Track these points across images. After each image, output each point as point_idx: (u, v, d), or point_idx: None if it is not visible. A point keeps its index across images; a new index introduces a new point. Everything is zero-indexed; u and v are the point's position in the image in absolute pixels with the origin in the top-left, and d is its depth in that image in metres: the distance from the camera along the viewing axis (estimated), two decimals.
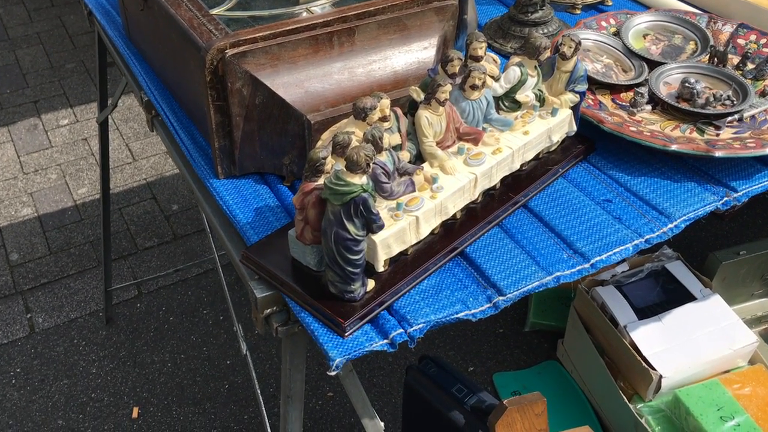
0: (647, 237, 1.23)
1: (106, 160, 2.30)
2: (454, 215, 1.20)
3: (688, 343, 2.15)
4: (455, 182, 1.15)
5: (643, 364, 2.08)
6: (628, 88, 1.51)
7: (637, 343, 2.14)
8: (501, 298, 1.13)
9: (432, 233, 1.18)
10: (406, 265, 1.14)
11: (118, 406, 2.39)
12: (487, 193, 1.26)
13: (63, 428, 2.33)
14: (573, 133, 1.35)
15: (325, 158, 1.03)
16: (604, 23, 1.65)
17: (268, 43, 1.22)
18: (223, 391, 2.42)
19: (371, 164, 0.99)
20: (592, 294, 2.28)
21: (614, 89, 1.50)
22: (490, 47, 1.68)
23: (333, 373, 1.03)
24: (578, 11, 1.83)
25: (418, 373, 1.82)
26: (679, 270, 2.36)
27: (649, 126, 1.40)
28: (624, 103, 1.47)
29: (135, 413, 2.37)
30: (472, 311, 1.12)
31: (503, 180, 1.28)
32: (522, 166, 1.30)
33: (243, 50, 1.20)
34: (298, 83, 1.25)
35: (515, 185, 1.28)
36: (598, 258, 1.19)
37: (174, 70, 1.46)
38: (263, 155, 1.31)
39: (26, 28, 4.28)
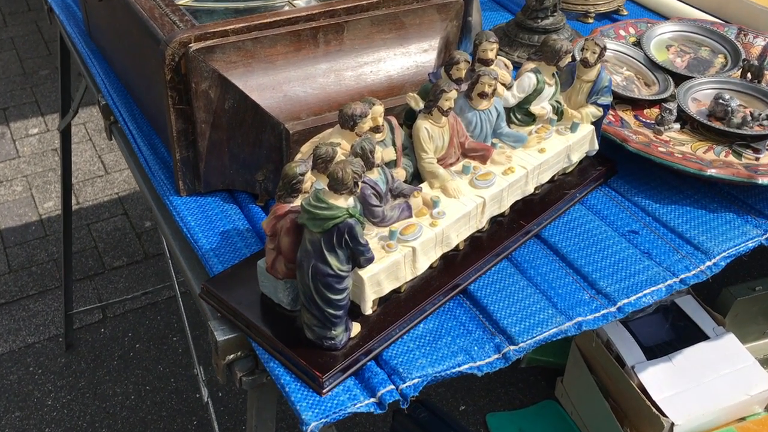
0: (682, 276, 1.05)
1: (68, 172, 2.10)
2: (456, 246, 1.01)
3: (701, 386, 1.97)
4: (459, 207, 0.96)
5: (653, 409, 1.90)
6: (652, 103, 1.33)
7: (645, 385, 1.96)
8: (512, 347, 0.94)
9: (430, 267, 0.99)
10: (398, 305, 0.94)
11: None
12: (495, 221, 1.08)
13: None
14: (594, 153, 1.17)
15: (303, 174, 0.84)
16: (622, 32, 1.48)
17: (241, 38, 1.03)
18: (190, 428, 2.21)
19: (359, 183, 0.80)
20: (596, 330, 2.09)
21: (636, 104, 1.32)
22: None
23: None
24: (591, 20, 1.66)
25: (406, 419, 1.62)
26: (690, 305, 2.18)
27: (679, 147, 1.22)
28: (649, 121, 1.29)
29: None
30: (478, 363, 0.92)
31: (513, 206, 1.09)
32: (535, 189, 1.12)
33: (210, 45, 1.01)
34: (276, 86, 1.06)
35: (527, 212, 1.10)
36: (626, 300, 1.01)
37: (134, 70, 1.27)
38: (233, 170, 1.12)
39: (0, 32, 4.08)
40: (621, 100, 1.32)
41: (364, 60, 1.13)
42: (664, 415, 1.88)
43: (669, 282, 1.04)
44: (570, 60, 1.08)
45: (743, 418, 2.01)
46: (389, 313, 0.93)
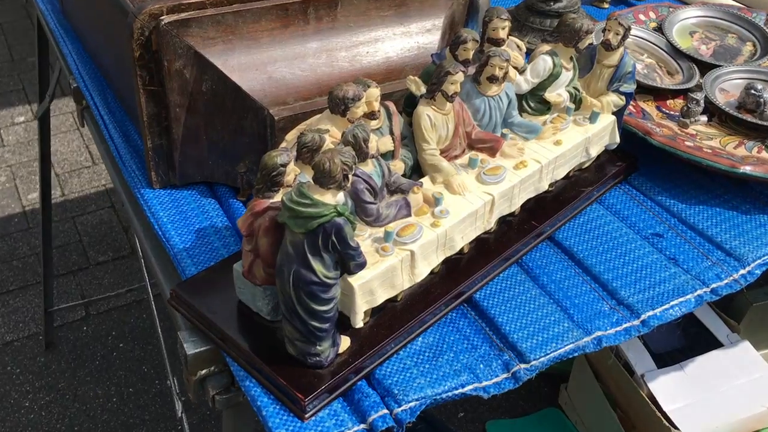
0: (714, 286, 0.93)
1: (46, 162, 1.99)
2: (461, 249, 0.90)
3: (714, 397, 1.86)
4: (465, 205, 0.85)
5: (664, 421, 1.79)
6: (676, 93, 1.21)
7: (656, 395, 1.84)
8: (523, 366, 0.82)
9: (431, 273, 0.87)
10: (394, 316, 0.83)
11: None
12: (504, 221, 0.96)
13: None
14: (615, 146, 1.06)
15: (284, 165, 0.72)
16: (642, 16, 1.36)
17: (221, 11, 0.92)
18: (191, 425, 2.09)
19: (350, 177, 0.69)
20: None
21: (659, 95, 1.21)
22: None
23: None
24: (606, 5, 1.54)
25: None
26: (703, 311, 2.06)
27: (707, 141, 1.11)
28: (672, 112, 1.17)
29: None
30: (484, 384, 0.81)
31: (524, 205, 0.97)
32: (549, 186, 1.00)
33: (185, 18, 0.89)
34: (260, 66, 0.94)
35: (539, 212, 0.98)
36: (651, 313, 0.89)
37: (106, 49, 1.15)
38: (212, 160, 1.00)
39: None
40: (642, 90, 1.20)
41: (360, 39, 1.01)
42: (675, 427, 1.77)
43: (699, 292, 0.92)
44: (591, 41, 0.96)
45: (759, 431, 1.90)
46: (383, 326, 0.81)
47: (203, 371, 0.83)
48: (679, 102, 1.20)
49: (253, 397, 0.77)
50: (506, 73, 0.90)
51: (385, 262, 0.77)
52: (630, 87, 1.00)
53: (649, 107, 1.18)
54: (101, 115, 1.15)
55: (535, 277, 0.93)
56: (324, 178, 0.68)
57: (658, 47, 1.29)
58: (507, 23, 0.92)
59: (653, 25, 1.35)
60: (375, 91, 0.82)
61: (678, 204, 1.05)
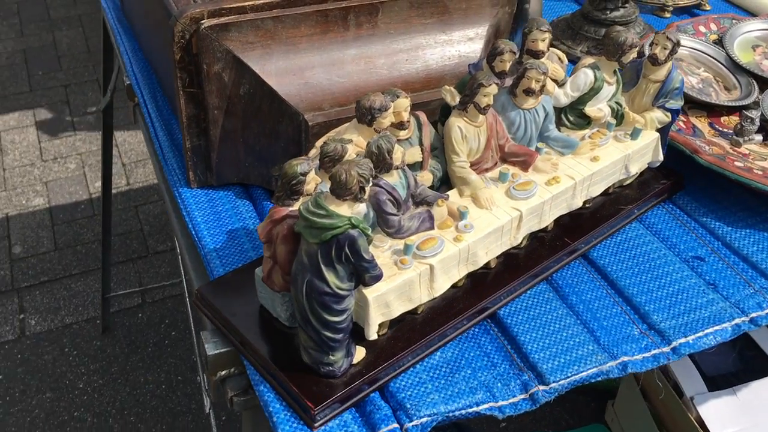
0: (753, 315, 0.89)
1: (108, 154, 2.05)
2: (487, 264, 0.88)
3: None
4: (491, 220, 0.83)
5: None
6: (731, 110, 1.17)
7: (705, 419, 1.78)
8: (542, 387, 0.80)
9: (454, 286, 0.86)
10: (413, 328, 0.82)
11: (101, 429, 2.12)
12: (535, 236, 0.94)
13: None
14: (658, 164, 1.02)
15: (304, 174, 0.72)
16: (702, 28, 1.31)
17: (261, 16, 0.92)
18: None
19: (367, 189, 0.68)
20: None
21: (713, 111, 1.16)
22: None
23: None
24: (668, 14, 1.49)
25: None
26: (761, 334, 1.98)
27: (760, 162, 1.06)
28: (726, 130, 1.13)
29: None
30: (500, 403, 0.79)
31: (558, 220, 0.95)
32: (585, 203, 0.97)
33: (225, 22, 0.90)
34: (297, 72, 0.95)
35: (574, 228, 0.96)
36: (683, 340, 0.86)
37: (155, 48, 1.18)
38: (248, 162, 1.01)
39: (68, 10, 4.09)
40: (695, 105, 1.16)
41: (400, 47, 1.00)
42: None
43: (736, 321, 0.89)
44: (635, 56, 0.93)
45: None
46: (401, 338, 0.81)
47: (223, 372, 0.84)
48: (734, 119, 1.15)
49: (265, 402, 0.77)
50: (543, 86, 0.88)
51: (402, 275, 0.76)
52: (677, 103, 0.97)
53: (701, 123, 1.14)
54: (149, 113, 1.17)
55: (563, 296, 0.91)
56: (340, 190, 0.67)
57: (717, 61, 1.24)
58: (547, 35, 0.90)
59: (714, 37, 1.30)
60: (404, 102, 0.81)
61: (723, 226, 1.01)
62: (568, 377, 0.81)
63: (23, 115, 3.33)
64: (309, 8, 0.94)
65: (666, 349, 0.85)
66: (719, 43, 1.27)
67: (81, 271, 2.61)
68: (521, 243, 0.92)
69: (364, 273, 0.71)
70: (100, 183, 2.12)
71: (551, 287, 0.92)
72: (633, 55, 0.92)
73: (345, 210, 0.68)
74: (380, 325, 0.80)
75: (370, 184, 0.69)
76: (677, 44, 0.93)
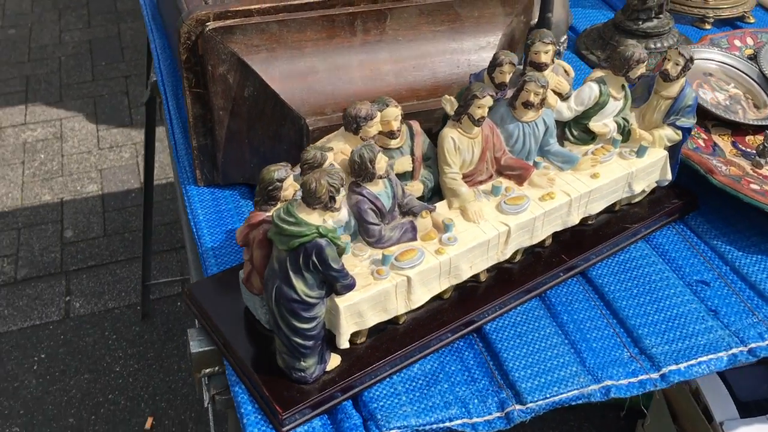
0: (753, 346, 0.86)
1: (150, 145, 2.10)
2: (477, 276, 0.87)
3: None
4: (476, 234, 0.82)
5: None
6: (758, 129, 1.12)
7: None
8: (518, 407, 0.79)
9: (440, 297, 0.86)
10: (393, 338, 0.82)
11: (133, 412, 2.18)
12: (531, 252, 0.92)
13: (72, 427, 2.15)
14: (666, 183, 0.99)
15: (281, 180, 0.73)
16: (738, 42, 1.26)
17: (266, 19, 0.93)
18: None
19: (337, 198, 0.68)
20: None
21: (738, 129, 1.12)
22: (582, 59, 1.32)
23: None
24: (708, 26, 1.44)
25: None
26: None
27: None
28: (749, 150, 1.09)
29: (149, 424, 2.15)
30: (474, 420, 0.78)
31: (557, 236, 0.93)
32: (586, 219, 0.95)
33: (230, 25, 0.92)
34: (301, 76, 0.95)
35: (573, 245, 0.94)
36: (674, 367, 0.83)
37: (175, 47, 1.20)
38: (254, 163, 1.02)
39: (135, 3, 4.21)
40: (719, 122, 1.12)
41: (407, 54, 1.00)
42: None
43: (734, 351, 0.85)
44: (643, 71, 0.91)
45: None
46: (379, 347, 0.81)
47: (207, 370, 0.86)
48: (759, 139, 1.11)
49: (239, 403, 0.78)
50: (543, 99, 0.86)
51: (377, 285, 0.76)
52: (688, 121, 0.93)
53: (723, 142, 1.10)
54: (169, 111, 1.20)
55: (555, 314, 0.89)
56: (310, 198, 0.68)
57: (749, 77, 1.19)
58: (550, 47, 0.88)
59: (749, 52, 1.25)
60: (393, 111, 0.81)
61: (734, 251, 0.97)
62: (547, 398, 0.80)
63: (84, 103, 3.44)
64: (315, 13, 0.95)
65: (655, 375, 0.83)
66: (754, 58, 1.23)
67: (127, 257, 2.69)
68: (515, 258, 0.90)
69: (334, 282, 0.71)
70: (143, 173, 2.17)
71: (543, 304, 0.91)
72: (641, 70, 0.90)
73: (315, 218, 0.68)
74: (358, 334, 0.80)
75: (341, 193, 0.69)
76: (690, 60, 0.90)
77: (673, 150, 0.96)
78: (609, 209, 0.98)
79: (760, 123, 1.11)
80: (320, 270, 0.69)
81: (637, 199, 0.99)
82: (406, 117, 0.95)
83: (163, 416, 2.18)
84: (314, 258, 0.68)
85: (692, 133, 1.08)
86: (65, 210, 2.89)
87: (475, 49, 1.03)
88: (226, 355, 0.82)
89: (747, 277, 0.94)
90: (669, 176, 0.96)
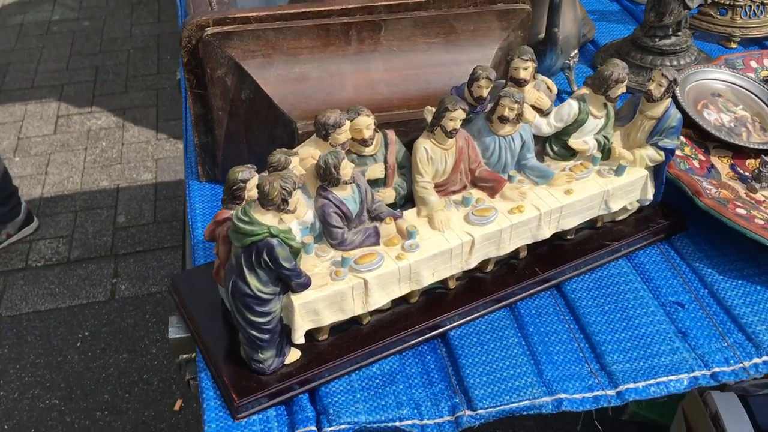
0: (716, 370, 0.86)
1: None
2: (445, 283, 0.90)
3: None
4: (439, 242, 0.85)
5: None
6: (759, 153, 1.11)
7: None
8: (468, 412, 0.81)
9: (407, 301, 0.89)
10: (355, 338, 0.85)
11: (164, 393, 2.28)
12: (506, 262, 0.94)
13: (107, 403, 2.25)
14: (648, 203, 0.99)
15: (245, 181, 0.77)
16: (754, 63, 1.24)
17: (263, 26, 0.98)
18: None
19: (290, 201, 0.72)
20: (705, 398, 1.82)
21: (740, 152, 1.11)
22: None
23: None
24: (734, 45, 1.42)
25: None
26: None
27: None
28: (746, 174, 1.08)
29: (178, 405, 2.24)
30: (424, 422, 0.81)
31: (533, 248, 0.95)
32: (565, 234, 0.97)
33: (228, 31, 0.97)
34: (295, 81, 1.00)
35: (550, 258, 0.95)
36: (631, 386, 0.84)
37: None
38: (252, 162, 1.06)
39: None
40: (720, 144, 1.11)
41: (401, 64, 1.03)
42: None
43: (696, 374, 0.85)
44: (623, 91, 0.91)
45: None
46: (340, 346, 0.84)
47: (184, 356, 0.91)
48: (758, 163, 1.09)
49: (202, 388, 0.83)
50: (520, 114, 0.88)
51: (334, 286, 0.79)
52: (672, 142, 0.93)
53: (722, 164, 1.09)
54: (185, 109, 1.26)
55: (522, 325, 0.91)
56: (263, 200, 0.72)
57: (759, 99, 1.18)
58: (529, 64, 0.90)
59: (765, 74, 1.23)
60: (365, 120, 0.84)
61: (715, 274, 0.97)
62: (497, 406, 0.82)
63: (147, 95, 3.58)
64: (310, 22, 0.99)
65: (611, 392, 0.84)
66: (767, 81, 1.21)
67: (172, 245, 2.79)
68: (487, 267, 0.92)
69: (288, 280, 0.75)
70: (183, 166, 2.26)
71: (512, 315, 0.92)
72: (620, 90, 0.90)
73: (269, 219, 0.72)
74: (320, 331, 0.84)
75: (294, 196, 0.72)
76: (673, 82, 0.90)
77: (658, 170, 0.96)
78: (590, 226, 0.99)
79: (760, 147, 1.09)
80: (272, 268, 0.73)
81: (621, 217, 1.00)
82: (396, 126, 0.99)
83: (192, 399, 2.26)
84: (265, 256, 0.72)
85: (688, 153, 1.07)
86: (120, 196, 3.02)
87: (470, 62, 1.05)
88: (198, 342, 0.87)
89: (723, 301, 0.93)
90: (650, 196, 0.97)
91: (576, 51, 1.24)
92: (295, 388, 0.82)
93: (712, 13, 1.43)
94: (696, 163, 1.06)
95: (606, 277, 0.97)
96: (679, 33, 1.31)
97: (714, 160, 1.09)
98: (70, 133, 3.36)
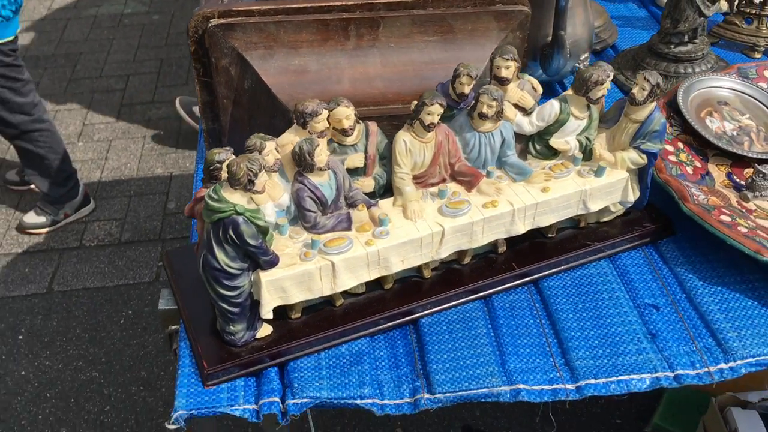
0: (680, 372, 0.86)
1: None
2: (420, 271, 0.93)
3: None
4: (409, 231, 0.88)
5: None
6: (761, 163, 1.10)
7: None
8: (427, 396, 0.84)
9: (382, 287, 0.92)
10: (326, 318, 0.89)
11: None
12: (484, 256, 0.97)
13: (142, 380, 2.35)
14: (630, 206, 1.00)
15: (221, 162, 0.82)
16: (767, 73, 1.23)
17: (265, 20, 1.03)
18: None
19: (256, 182, 0.77)
20: (726, 414, 1.79)
21: (739, 161, 1.10)
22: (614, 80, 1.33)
23: (172, 427, 0.83)
24: (758, 54, 1.40)
25: None
26: None
27: (762, 221, 1.00)
28: (742, 183, 1.07)
29: None
30: (385, 402, 0.85)
31: (513, 244, 0.97)
32: (547, 232, 0.98)
33: (231, 22, 1.02)
34: (294, 73, 1.04)
35: (527, 254, 0.97)
36: (591, 381, 0.86)
37: None
38: None
39: None
40: (720, 152, 1.10)
41: (398, 60, 1.06)
42: None
43: (659, 374, 0.86)
44: (604, 93, 0.93)
45: None
46: (311, 324, 0.88)
47: (173, 327, 0.97)
48: None
49: (180, 356, 0.88)
50: (499, 112, 0.91)
51: (302, 266, 0.83)
52: (654, 146, 0.94)
53: (718, 171, 1.08)
54: None
55: (494, 317, 0.93)
56: (231, 179, 0.76)
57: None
58: (511, 63, 0.92)
59: None
60: (344, 110, 0.88)
61: (695, 279, 0.97)
62: (456, 392, 0.84)
63: None
64: (311, 17, 1.03)
65: (570, 386, 0.86)
66: None
67: None
68: (464, 259, 0.95)
69: (255, 257, 0.80)
70: None
71: (486, 307, 0.95)
72: (601, 92, 0.92)
73: (236, 198, 0.77)
74: (293, 309, 0.88)
75: (260, 178, 0.77)
76: (656, 86, 0.91)
77: (642, 173, 0.97)
78: (574, 225, 1.00)
79: (759, 156, 1.08)
80: (238, 244, 0.78)
81: (605, 218, 1.01)
82: (390, 119, 1.03)
83: None
84: (231, 232, 0.77)
85: (683, 159, 1.07)
86: (172, 184, 3.13)
87: (466, 61, 1.07)
88: (182, 314, 0.92)
89: (699, 306, 0.93)
90: (631, 198, 0.98)
91: (587, 54, 1.25)
92: (264, 361, 0.86)
93: (737, 22, 1.42)
94: (689, 170, 1.06)
95: (585, 277, 0.98)
96: (696, 40, 1.30)
97: (711, 167, 1.09)
98: (131, 122, 3.50)
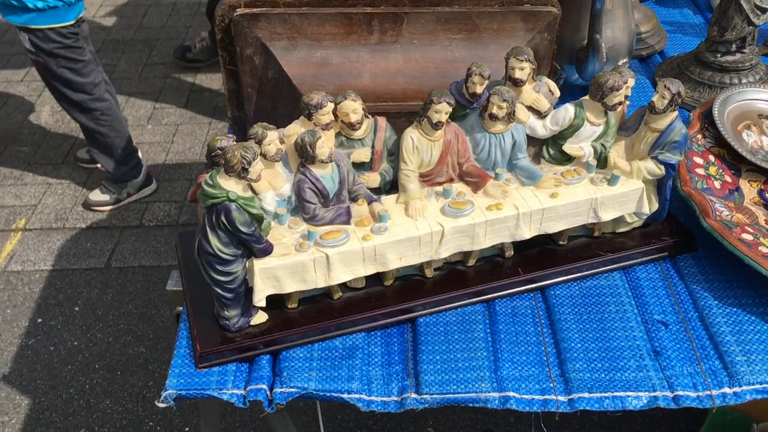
0: (680, 393, 0.83)
1: None
2: (422, 270, 0.92)
3: None
4: (408, 229, 0.87)
5: None
6: None
7: None
8: (414, 395, 0.84)
9: (382, 283, 0.92)
10: (323, 310, 0.90)
11: None
12: (491, 259, 0.95)
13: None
14: (646, 217, 0.97)
15: (221, 149, 0.83)
16: None
17: (289, 11, 1.04)
18: None
19: (250, 170, 0.78)
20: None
21: None
22: (654, 86, 1.28)
23: (161, 405, 0.85)
24: None
25: None
26: None
27: None
28: None
29: None
30: (372, 398, 0.85)
31: (522, 249, 0.95)
32: (558, 239, 0.96)
33: (256, 13, 1.03)
34: (316, 65, 1.05)
35: (537, 261, 0.95)
36: (584, 395, 0.83)
37: None
38: None
39: None
40: (755, 169, 1.05)
41: (420, 57, 1.06)
42: None
43: (657, 393, 0.83)
44: (621, 99, 0.90)
45: None
46: (307, 315, 0.89)
47: (180, 308, 0.99)
48: None
49: (178, 337, 0.90)
50: (511, 113, 0.89)
51: (296, 257, 0.84)
52: (673, 157, 0.90)
53: (749, 187, 1.03)
54: None
55: (494, 322, 0.92)
56: (226, 167, 0.78)
57: None
58: (526, 64, 0.90)
59: None
60: (351, 104, 0.88)
61: (711, 298, 0.93)
62: (443, 394, 0.83)
63: None
64: (335, 10, 1.03)
65: (563, 398, 0.83)
66: None
67: None
68: (468, 261, 0.94)
69: (248, 244, 0.81)
70: None
71: (487, 311, 0.93)
72: (617, 98, 0.89)
73: (231, 185, 0.78)
74: (290, 299, 0.89)
75: (254, 166, 0.78)
76: (677, 95, 0.88)
77: (660, 185, 0.93)
78: (588, 234, 0.98)
79: None
80: (230, 230, 0.79)
81: (621, 229, 0.98)
82: (409, 116, 1.02)
83: None
84: (223, 218, 0.78)
85: (713, 173, 1.03)
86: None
87: (491, 61, 1.05)
88: (185, 296, 0.94)
89: (710, 326, 0.89)
90: (647, 210, 0.94)
91: (626, 60, 1.21)
92: (257, 348, 0.87)
93: None
94: (717, 184, 1.01)
95: (594, 287, 0.96)
96: (745, 50, 1.24)
97: (742, 182, 1.04)
98: (198, 107, 3.59)
